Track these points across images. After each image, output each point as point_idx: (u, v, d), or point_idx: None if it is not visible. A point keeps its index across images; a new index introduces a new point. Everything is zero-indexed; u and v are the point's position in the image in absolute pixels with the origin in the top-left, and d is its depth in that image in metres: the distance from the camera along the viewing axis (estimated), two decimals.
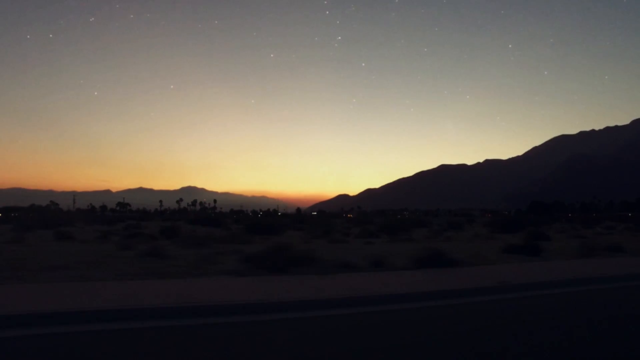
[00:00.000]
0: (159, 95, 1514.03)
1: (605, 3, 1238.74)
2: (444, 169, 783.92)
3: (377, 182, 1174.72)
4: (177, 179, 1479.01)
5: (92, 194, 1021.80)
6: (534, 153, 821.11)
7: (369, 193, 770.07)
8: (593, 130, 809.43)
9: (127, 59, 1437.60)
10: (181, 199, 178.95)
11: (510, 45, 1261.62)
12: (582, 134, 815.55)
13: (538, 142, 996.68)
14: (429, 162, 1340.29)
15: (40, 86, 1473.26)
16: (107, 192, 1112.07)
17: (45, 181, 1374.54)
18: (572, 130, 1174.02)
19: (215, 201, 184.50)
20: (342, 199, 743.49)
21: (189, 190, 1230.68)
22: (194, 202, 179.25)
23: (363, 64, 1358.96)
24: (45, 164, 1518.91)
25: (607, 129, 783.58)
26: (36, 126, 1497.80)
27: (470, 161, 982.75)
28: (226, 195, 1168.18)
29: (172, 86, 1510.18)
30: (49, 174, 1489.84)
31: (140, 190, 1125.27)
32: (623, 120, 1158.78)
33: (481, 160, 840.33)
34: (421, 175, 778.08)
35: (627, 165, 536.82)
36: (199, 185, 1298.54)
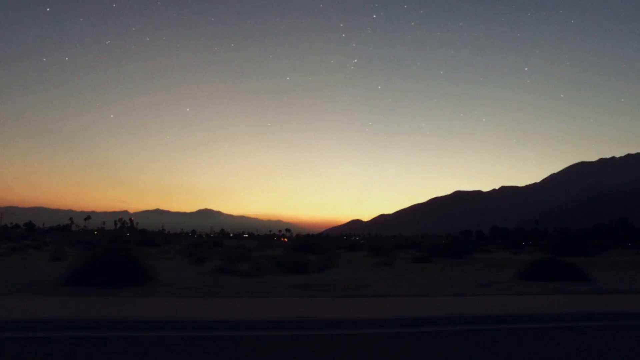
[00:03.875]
0: (175, 118, 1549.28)
1: (621, 25, 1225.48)
2: (458, 195, 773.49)
3: (390, 208, 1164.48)
4: (193, 201, 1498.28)
5: (110, 214, 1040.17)
6: (552, 180, 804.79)
7: (382, 219, 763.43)
8: (614, 158, 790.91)
9: (144, 82, 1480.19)
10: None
11: (526, 68, 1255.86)
12: (601, 160, 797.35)
13: (556, 169, 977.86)
14: (444, 188, 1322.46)
15: (58, 109, 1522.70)
16: (125, 213, 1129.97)
17: (64, 201, 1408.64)
18: (592, 157, 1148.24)
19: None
20: (355, 224, 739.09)
21: (205, 213, 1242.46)
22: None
23: (379, 87, 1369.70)
24: (65, 184, 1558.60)
25: (629, 156, 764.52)
26: (56, 148, 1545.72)
27: (485, 187, 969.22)
28: (241, 218, 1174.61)
29: (188, 109, 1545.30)
30: (68, 194, 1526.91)
31: (157, 212, 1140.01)
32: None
33: (497, 187, 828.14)
34: (435, 202, 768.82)
35: None
36: (215, 208, 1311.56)
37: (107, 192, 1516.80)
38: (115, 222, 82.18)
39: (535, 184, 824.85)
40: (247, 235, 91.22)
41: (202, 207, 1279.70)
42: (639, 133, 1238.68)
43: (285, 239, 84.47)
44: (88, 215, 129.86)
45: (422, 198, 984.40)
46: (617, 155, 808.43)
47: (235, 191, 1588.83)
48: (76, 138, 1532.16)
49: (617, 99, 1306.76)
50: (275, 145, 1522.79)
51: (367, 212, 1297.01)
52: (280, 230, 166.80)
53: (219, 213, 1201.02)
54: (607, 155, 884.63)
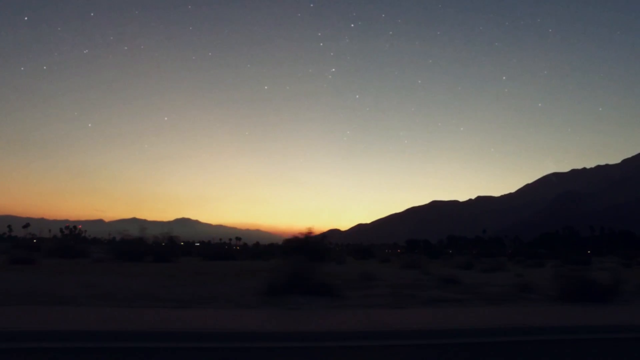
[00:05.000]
0: (152, 127, 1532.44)
1: (600, 34, 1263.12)
2: (435, 205, 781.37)
3: (368, 218, 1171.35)
4: (170, 210, 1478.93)
5: (85, 223, 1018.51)
6: (527, 190, 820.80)
7: (359, 228, 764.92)
8: (585, 169, 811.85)
9: (121, 91, 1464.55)
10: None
11: (504, 77, 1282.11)
12: (573, 171, 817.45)
13: (531, 179, 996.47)
14: (421, 198, 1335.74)
15: (35, 118, 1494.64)
16: (100, 222, 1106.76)
17: (38, 209, 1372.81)
18: (565, 167, 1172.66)
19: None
20: (333, 233, 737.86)
21: (183, 221, 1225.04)
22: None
23: (357, 96, 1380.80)
24: (38, 192, 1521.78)
25: (598, 167, 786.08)
26: (31, 156, 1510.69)
27: (462, 197, 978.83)
28: (220, 227, 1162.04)
29: (166, 118, 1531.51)
30: (41, 202, 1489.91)
31: (134, 221, 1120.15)
32: (614, 159, 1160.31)
33: (473, 196, 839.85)
34: (413, 211, 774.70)
35: (616, 205, 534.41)
36: (193, 217, 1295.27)
37: (83, 201, 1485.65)
38: (61, 229, 79.04)
39: (510, 193, 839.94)
40: (198, 244, 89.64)
41: (179, 216, 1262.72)
42: (609, 145, 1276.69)
43: (238, 247, 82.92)
44: (27, 223, 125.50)
45: (400, 208, 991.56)
46: (588, 166, 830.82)
47: (214, 200, 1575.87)
48: (52, 146, 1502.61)
49: (594, 108, 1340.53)
50: (253, 154, 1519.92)
51: (345, 222, 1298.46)
52: (230, 239, 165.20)
53: (196, 222, 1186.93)
54: (579, 166, 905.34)
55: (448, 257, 45.26)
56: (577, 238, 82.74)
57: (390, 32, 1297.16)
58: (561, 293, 9.24)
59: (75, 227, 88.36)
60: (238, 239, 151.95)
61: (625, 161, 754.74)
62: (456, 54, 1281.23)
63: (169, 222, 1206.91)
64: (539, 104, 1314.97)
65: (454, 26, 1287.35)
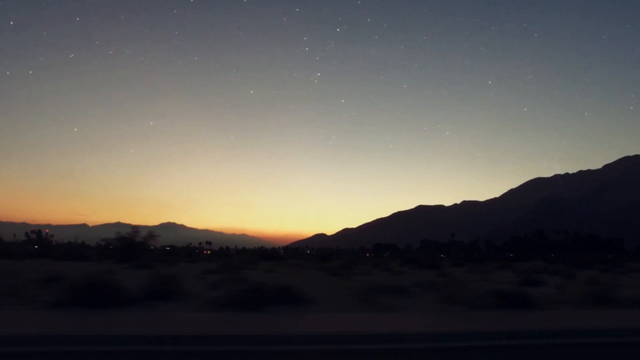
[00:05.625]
0: (138, 132, 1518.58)
1: (585, 39, 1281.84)
2: (421, 210, 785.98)
3: (354, 222, 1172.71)
4: (156, 214, 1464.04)
5: (68, 228, 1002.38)
6: (511, 194, 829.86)
7: (346, 233, 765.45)
8: (567, 174, 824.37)
9: (107, 96, 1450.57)
10: None
11: (489, 82, 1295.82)
12: (556, 176, 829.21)
13: (515, 184, 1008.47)
14: (407, 203, 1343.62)
15: (20, 122, 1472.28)
16: (83, 226, 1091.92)
17: (20, 213, 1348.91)
18: (548, 173, 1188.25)
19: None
20: (320, 238, 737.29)
21: (168, 226, 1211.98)
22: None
23: (342, 101, 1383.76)
24: (20, 196, 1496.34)
25: (580, 172, 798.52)
26: (15, 160, 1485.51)
27: (448, 202, 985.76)
28: (206, 232, 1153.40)
29: (151, 122, 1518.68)
30: (23, 206, 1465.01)
31: (118, 225, 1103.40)
32: (596, 164, 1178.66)
33: (459, 201, 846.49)
34: (398, 216, 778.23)
35: (596, 209, 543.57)
36: (178, 221, 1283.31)
37: (67, 205, 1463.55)
38: (27, 234, 78.13)
39: (495, 198, 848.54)
40: (169, 248, 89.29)
41: (165, 221, 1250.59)
42: (592, 150, 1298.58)
43: (208, 252, 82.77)
44: None
45: (386, 212, 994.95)
46: (571, 171, 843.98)
47: (200, 204, 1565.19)
48: (37, 150, 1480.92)
49: (580, 113, 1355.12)
50: (239, 159, 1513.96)
51: (331, 226, 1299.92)
52: (200, 243, 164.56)
53: (182, 226, 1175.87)
54: (561, 171, 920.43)
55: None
56: (545, 242, 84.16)
57: (376, 37, 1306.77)
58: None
59: (40, 231, 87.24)
60: (208, 243, 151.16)
61: (606, 167, 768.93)
62: (442, 59, 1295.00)
63: (154, 227, 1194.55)
64: (525, 109, 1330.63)
65: (440, 31, 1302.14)
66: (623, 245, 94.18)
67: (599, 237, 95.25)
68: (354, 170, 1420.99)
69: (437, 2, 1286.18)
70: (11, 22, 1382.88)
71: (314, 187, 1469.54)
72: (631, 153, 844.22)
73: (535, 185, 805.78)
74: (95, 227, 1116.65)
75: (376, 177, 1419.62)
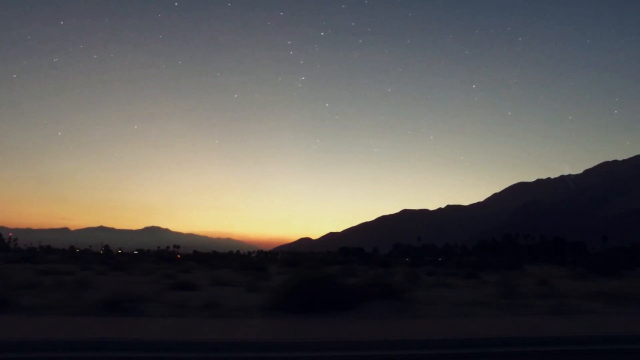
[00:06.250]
0: (122, 135, 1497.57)
1: (570, 41, 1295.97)
2: (406, 214, 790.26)
3: (340, 226, 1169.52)
4: (139, 219, 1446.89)
5: (49, 232, 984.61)
6: (495, 199, 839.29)
7: (331, 237, 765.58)
8: (549, 178, 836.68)
9: (91, 99, 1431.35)
10: None
11: (473, 86, 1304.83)
12: (538, 181, 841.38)
13: (498, 188, 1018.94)
14: (392, 207, 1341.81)
15: (3, 126, 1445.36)
16: (65, 230, 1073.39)
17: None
18: (530, 177, 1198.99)
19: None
20: (305, 242, 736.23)
21: (152, 230, 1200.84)
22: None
23: (327, 105, 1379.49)
24: (1, 200, 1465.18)
25: (562, 177, 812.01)
26: None
27: (432, 206, 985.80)
28: (190, 236, 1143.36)
29: (135, 126, 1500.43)
30: (4, 210, 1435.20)
31: (101, 229, 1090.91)
32: (576, 169, 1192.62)
33: (443, 205, 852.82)
34: (383, 220, 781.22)
35: (575, 212, 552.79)
36: (163, 225, 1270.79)
37: (49, 209, 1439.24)
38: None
39: (479, 202, 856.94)
40: (137, 252, 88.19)
41: (149, 225, 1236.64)
42: (575, 155, 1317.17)
43: (179, 256, 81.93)
44: None
45: (371, 216, 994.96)
46: (552, 176, 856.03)
47: (184, 208, 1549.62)
48: (20, 154, 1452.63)
49: (564, 117, 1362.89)
50: (224, 163, 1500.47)
51: (316, 231, 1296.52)
52: (168, 247, 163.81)
53: (166, 230, 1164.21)
54: (544, 176, 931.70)
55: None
56: (513, 246, 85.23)
57: (360, 41, 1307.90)
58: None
59: (1, 234, 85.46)
60: (176, 247, 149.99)
61: (586, 171, 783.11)
62: (426, 63, 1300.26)
63: (138, 231, 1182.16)
64: (509, 113, 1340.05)
65: (424, 35, 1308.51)
66: (585, 248, 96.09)
67: (564, 241, 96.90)
68: (339, 174, 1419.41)
69: (421, 6, 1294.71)
70: None
71: (299, 190, 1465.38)
72: (610, 158, 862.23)
73: (518, 190, 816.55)
74: (77, 231, 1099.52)
75: (361, 181, 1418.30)
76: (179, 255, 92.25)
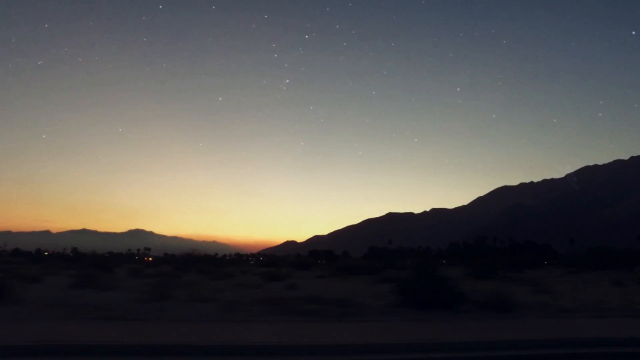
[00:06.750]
0: (107, 138, 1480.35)
1: (554, 45, 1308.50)
2: (391, 217, 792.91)
3: (325, 229, 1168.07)
4: (123, 221, 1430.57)
5: (30, 235, 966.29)
6: (479, 202, 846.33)
7: (316, 240, 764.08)
8: (532, 182, 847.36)
9: (75, 102, 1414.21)
10: None
11: (458, 89, 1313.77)
12: (522, 185, 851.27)
13: (483, 192, 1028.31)
14: (377, 210, 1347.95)
15: None
16: (46, 233, 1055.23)
17: None
18: (514, 181, 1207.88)
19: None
20: (290, 245, 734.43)
21: (136, 233, 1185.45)
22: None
23: (311, 107, 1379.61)
24: None
25: (544, 181, 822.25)
26: None
27: (417, 209, 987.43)
28: (175, 239, 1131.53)
29: (120, 129, 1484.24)
30: None
31: (84, 232, 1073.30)
32: (559, 173, 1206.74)
33: (428, 209, 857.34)
34: (368, 223, 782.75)
35: (557, 215, 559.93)
36: (147, 228, 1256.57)
37: (30, 211, 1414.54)
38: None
39: (463, 206, 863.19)
40: (107, 255, 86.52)
41: (133, 227, 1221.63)
42: (558, 159, 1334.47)
43: (150, 258, 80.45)
44: None
45: (356, 219, 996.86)
46: (535, 180, 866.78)
47: (169, 211, 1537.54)
48: (0, 156, 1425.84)
49: (549, 119, 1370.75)
50: (208, 166, 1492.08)
51: (302, 233, 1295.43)
52: (138, 249, 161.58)
53: (151, 233, 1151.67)
54: (527, 180, 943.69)
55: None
56: (483, 248, 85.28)
57: (345, 44, 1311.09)
58: None
59: None
60: (147, 249, 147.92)
61: (568, 175, 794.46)
62: (410, 65, 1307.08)
63: (121, 234, 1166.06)
64: (493, 115, 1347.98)
65: (408, 38, 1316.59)
66: (554, 251, 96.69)
67: (535, 243, 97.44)
68: (324, 177, 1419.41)
69: (406, 9, 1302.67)
70: None
71: (284, 194, 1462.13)
72: (591, 163, 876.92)
73: (502, 193, 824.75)
74: (59, 233, 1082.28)
75: (346, 185, 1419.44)
76: (150, 258, 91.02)
